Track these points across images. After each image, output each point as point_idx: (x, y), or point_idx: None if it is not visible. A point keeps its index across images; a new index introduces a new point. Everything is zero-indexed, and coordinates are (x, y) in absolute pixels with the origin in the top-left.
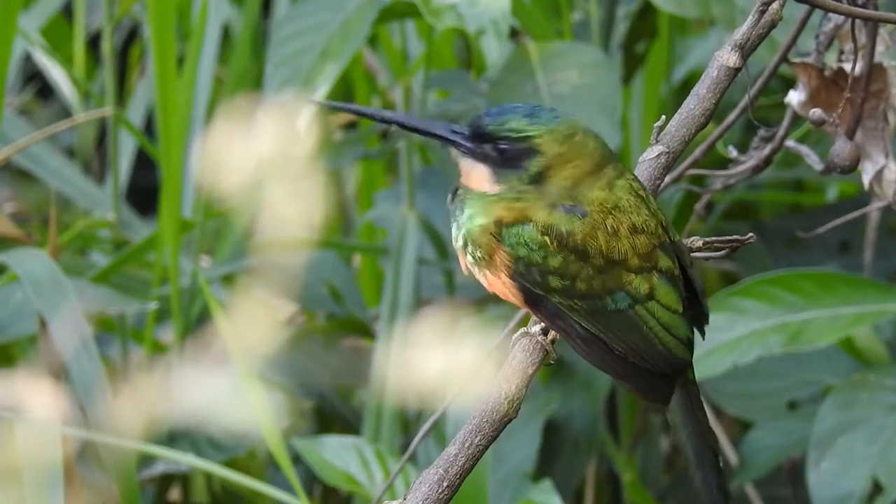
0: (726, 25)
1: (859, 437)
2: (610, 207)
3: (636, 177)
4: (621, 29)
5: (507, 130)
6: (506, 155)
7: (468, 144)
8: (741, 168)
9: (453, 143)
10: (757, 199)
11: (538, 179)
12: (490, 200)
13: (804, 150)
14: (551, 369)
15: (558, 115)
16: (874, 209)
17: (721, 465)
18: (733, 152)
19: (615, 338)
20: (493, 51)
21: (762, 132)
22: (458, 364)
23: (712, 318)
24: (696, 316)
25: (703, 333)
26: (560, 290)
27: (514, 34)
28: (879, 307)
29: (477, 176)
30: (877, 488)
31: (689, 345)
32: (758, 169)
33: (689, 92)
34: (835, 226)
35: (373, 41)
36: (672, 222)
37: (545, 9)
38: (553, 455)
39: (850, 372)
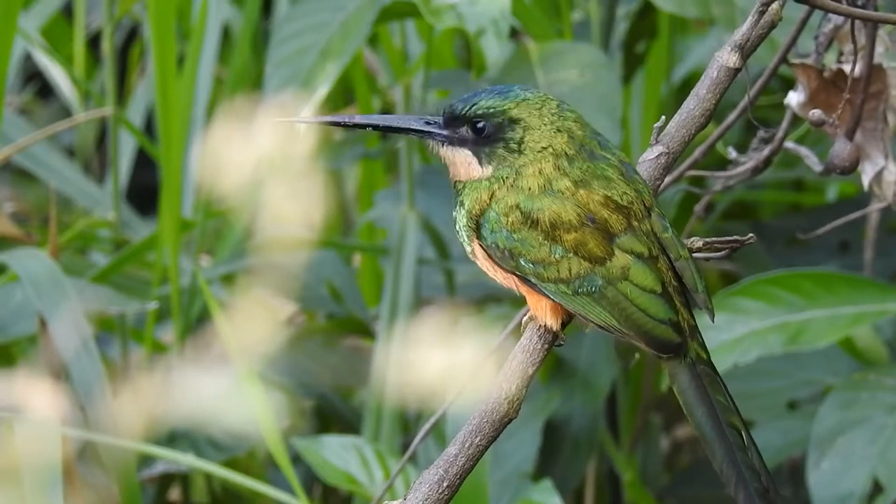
0: (726, 25)
1: (859, 437)
2: (588, 179)
3: (621, 154)
4: (621, 29)
5: (481, 108)
6: (484, 132)
7: (444, 133)
8: (741, 169)
9: (429, 133)
10: (757, 199)
11: (522, 148)
12: (477, 188)
13: (803, 151)
14: (552, 369)
15: (528, 89)
16: (874, 210)
17: (750, 443)
18: (733, 153)
19: (594, 317)
20: (493, 50)
21: (761, 133)
22: (458, 364)
23: None
24: (694, 303)
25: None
26: (534, 272)
27: (514, 34)
28: (879, 307)
29: (461, 162)
30: (877, 488)
31: (673, 325)
32: (757, 170)
33: (689, 92)
34: (835, 226)
35: (373, 41)
36: (672, 222)
37: (545, 9)
38: (553, 455)
39: (850, 372)
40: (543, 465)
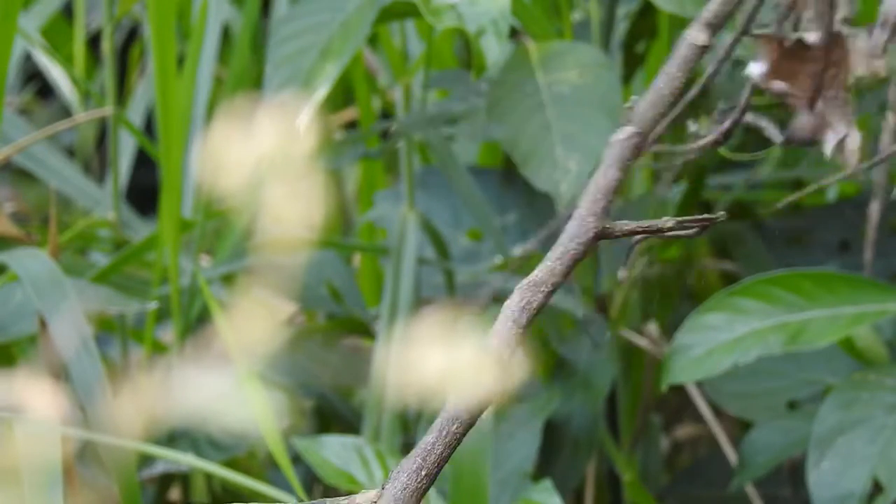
0: (726, 25)
1: (859, 437)
2: None
3: None
4: (621, 29)
5: None
6: None
7: None
8: (703, 142)
9: None
10: (757, 199)
11: None
12: None
13: (763, 122)
14: (552, 369)
15: None
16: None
17: None
18: (693, 127)
19: None
20: (493, 51)
21: (721, 105)
22: (458, 364)
23: (712, 317)
24: None
25: None
26: None
27: (514, 34)
28: (879, 307)
29: None
30: (877, 488)
31: None
32: (717, 143)
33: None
34: (835, 225)
35: (373, 41)
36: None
37: (545, 8)
38: (553, 455)
39: (850, 372)
40: (543, 465)
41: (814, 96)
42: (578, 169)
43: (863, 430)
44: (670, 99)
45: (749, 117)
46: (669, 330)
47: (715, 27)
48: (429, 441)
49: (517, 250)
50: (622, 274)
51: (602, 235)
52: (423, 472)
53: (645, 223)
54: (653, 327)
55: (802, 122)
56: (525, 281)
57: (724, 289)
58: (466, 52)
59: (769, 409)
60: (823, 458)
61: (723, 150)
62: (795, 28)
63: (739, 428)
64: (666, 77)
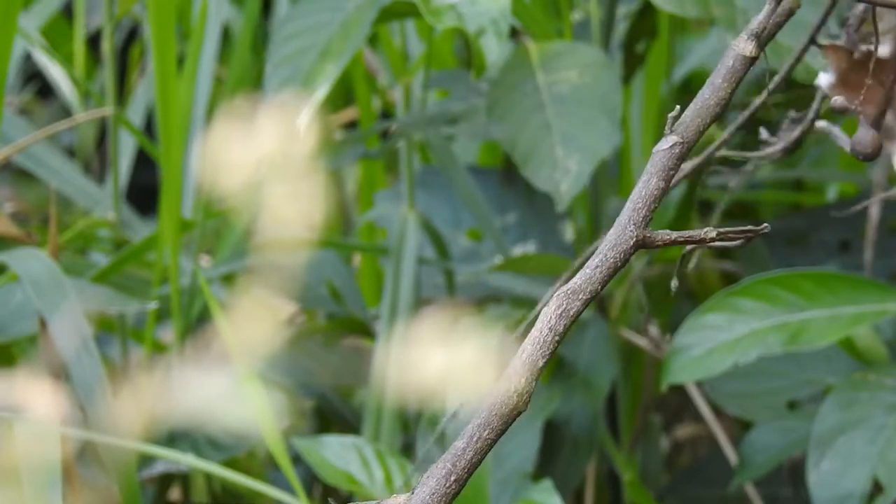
0: (726, 26)
1: (859, 437)
2: None
3: None
4: (621, 29)
5: None
6: None
7: None
8: (773, 149)
9: None
10: (757, 199)
11: None
12: None
13: (835, 130)
14: (552, 369)
15: None
16: (875, 202)
17: None
18: (765, 134)
19: None
20: (493, 51)
21: (792, 114)
22: (458, 364)
23: (712, 317)
24: None
25: None
26: None
27: (514, 34)
28: (879, 307)
29: None
30: (877, 488)
31: None
32: (787, 150)
33: (691, 91)
34: (835, 225)
35: (373, 41)
36: (671, 223)
37: (545, 8)
38: (553, 455)
39: (850, 372)
40: (543, 465)
41: (879, 112)
42: (578, 169)
43: (863, 430)
44: (716, 109)
45: (820, 124)
46: (669, 330)
47: (763, 39)
48: (459, 446)
49: (517, 250)
50: (674, 284)
51: (642, 245)
52: (453, 478)
53: (686, 233)
54: (653, 327)
55: (863, 136)
56: (563, 288)
57: (724, 289)
58: (466, 52)
59: (769, 409)
60: (823, 458)
61: (722, 150)
62: (865, 40)
63: (739, 428)
64: (711, 87)
